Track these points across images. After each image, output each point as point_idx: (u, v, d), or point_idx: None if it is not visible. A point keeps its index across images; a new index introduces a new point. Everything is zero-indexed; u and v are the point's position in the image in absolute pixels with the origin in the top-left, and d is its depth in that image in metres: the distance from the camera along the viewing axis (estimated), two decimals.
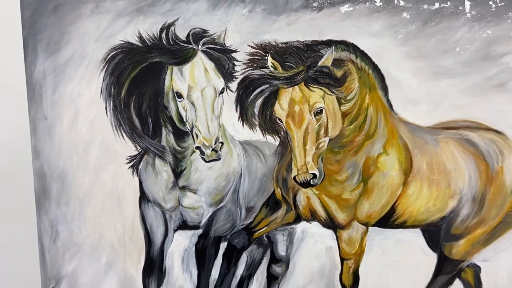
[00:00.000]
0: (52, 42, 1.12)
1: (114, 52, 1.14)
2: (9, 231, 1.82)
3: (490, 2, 1.06)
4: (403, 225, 1.15)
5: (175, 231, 1.23)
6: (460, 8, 1.05)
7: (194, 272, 1.22)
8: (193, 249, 1.23)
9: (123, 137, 1.15)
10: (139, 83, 1.14)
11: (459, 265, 1.14)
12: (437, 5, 1.07)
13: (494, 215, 1.10)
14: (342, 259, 1.16)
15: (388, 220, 1.14)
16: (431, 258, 1.15)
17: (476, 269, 1.14)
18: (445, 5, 1.06)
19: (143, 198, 1.19)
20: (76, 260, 1.19)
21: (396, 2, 1.07)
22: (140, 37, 1.12)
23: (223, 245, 1.21)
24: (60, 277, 1.19)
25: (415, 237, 1.16)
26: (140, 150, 1.19)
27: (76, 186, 1.17)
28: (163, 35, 1.10)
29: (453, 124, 1.11)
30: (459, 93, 1.08)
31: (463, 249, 1.13)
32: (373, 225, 1.16)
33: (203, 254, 1.23)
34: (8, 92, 1.65)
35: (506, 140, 1.08)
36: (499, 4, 1.05)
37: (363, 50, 1.08)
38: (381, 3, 1.08)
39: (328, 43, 1.07)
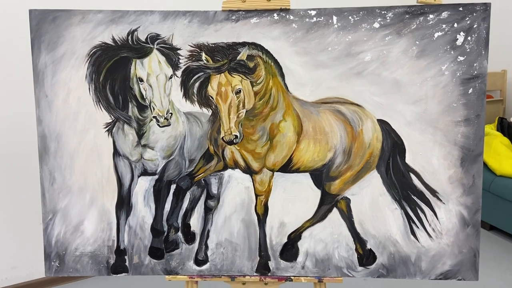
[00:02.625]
0: (51, 42, 1.34)
1: (95, 49, 1.33)
2: (20, 178, 2.19)
3: (350, 17, 1.31)
4: (297, 171, 1.39)
5: (138, 177, 1.40)
6: (330, 21, 1.31)
7: (152, 206, 1.41)
8: (152, 189, 1.41)
9: (101, 109, 1.37)
10: (112, 71, 1.33)
11: (335, 198, 1.39)
12: (315, 19, 1.31)
13: (358, 162, 1.38)
14: (256, 195, 1.40)
15: (287, 167, 1.39)
16: (317, 193, 1.39)
17: (347, 201, 1.39)
18: (320, 19, 1.31)
19: (116, 153, 1.38)
20: (68, 198, 1.41)
21: (287, 17, 1.32)
22: (113, 39, 1.33)
23: (173, 187, 1.41)
24: (56, 211, 1.41)
25: (306, 179, 1.40)
26: (113, 119, 1.37)
27: (68, 144, 1.39)
28: (129, 37, 1.32)
29: (328, 100, 1.36)
30: (331, 78, 1.33)
31: (338, 186, 1.39)
32: (277, 171, 1.39)
33: (159, 193, 1.40)
34: (20, 78, 2.01)
35: (364, 111, 1.35)
36: (356, 19, 1.31)
37: (267, 49, 1.32)
38: (277, 17, 1.32)
39: (243, 44, 1.32)
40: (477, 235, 1.39)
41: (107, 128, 1.40)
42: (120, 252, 1.44)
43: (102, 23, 1.35)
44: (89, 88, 1.37)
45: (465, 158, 1.36)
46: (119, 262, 1.44)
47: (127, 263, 1.45)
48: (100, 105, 1.38)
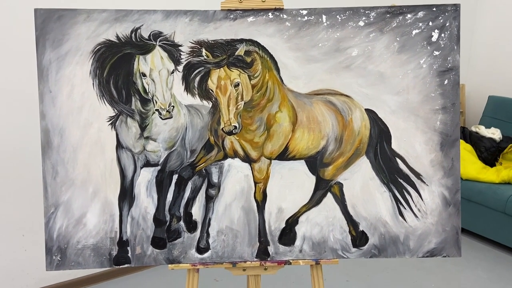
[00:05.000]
0: (56, 40, 1.37)
1: (99, 46, 1.37)
2: (23, 172, 2.15)
3: (337, 17, 1.41)
4: (293, 158, 1.45)
5: (141, 168, 1.43)
6: (320, 19, 1.41)
7: (155, 196, 1.43)
8: (154, 180, 1.44)
9: (105, 103, 1.41)
10: (116, 67, 1.37)
11: (329, 183, 1.46)
12: (306, 18, 1.41)
13: (349, 149, 1.46)
14: (255, 183, 1.45)
15: (284, 155, 1.45)
16: (312, 179, 1.46)
17: (340, 185, 1.46)
18: (311, 18, 1.41)
19: (119, 145, 1.40)
20: (70, 191, 1.41)
21: (281, 16, 1.41)
22: (117, 37, 1.37)
23: (175, 177, 1.44)
24: (58, 204, 1.41)
25: (301, 165, 1.47)
26: (116, 112, 1.41)
27: (71, 138, 1.41)
28: (133, 35, 1.37)
29: (320, 92, 1.43)
30: (322, 72, 1.42)
31: (331, 172, 1.46)
32: (274, 159, 1.45)
33: (161, 183, 1.44)
34: (25, 74, 2.02)
35: (353, 101, 1.44)
36: (343, 18, 1.42)
37: (263, 45, 1.40)
38: (272, 16, 1.41)
39: (241, 41, 1.39)
40: (458, 214, 1.51)
41: (110, 122, 1.43)
42: (122, 243, 1.46)
43: (107, 21, 1.39)
44: (93, 83, 1.41)
45: (444, 142, 1.47)
46: (121, 254, 1.45)
47: (129, 254, 1.47)
48: (104, 99, 1.41)
